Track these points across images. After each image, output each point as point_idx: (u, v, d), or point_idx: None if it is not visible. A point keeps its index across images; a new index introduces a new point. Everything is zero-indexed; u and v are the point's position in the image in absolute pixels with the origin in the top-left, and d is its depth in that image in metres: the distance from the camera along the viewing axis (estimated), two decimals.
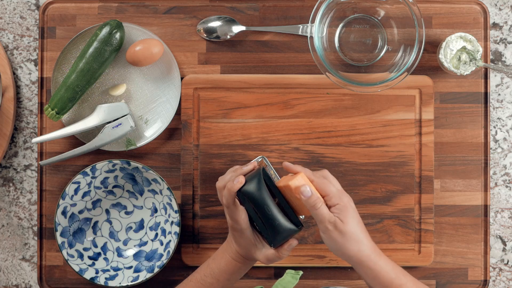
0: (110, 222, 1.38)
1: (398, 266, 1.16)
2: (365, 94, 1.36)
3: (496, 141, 1.39)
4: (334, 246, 1.15)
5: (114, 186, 1.37)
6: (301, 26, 1.37)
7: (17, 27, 1.39)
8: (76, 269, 1.33)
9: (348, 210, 1.14)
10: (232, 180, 1.18)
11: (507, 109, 1.39)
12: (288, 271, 1.28)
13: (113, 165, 1.33)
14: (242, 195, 1.18)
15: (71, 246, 1.34)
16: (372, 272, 1.15)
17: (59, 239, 1.33)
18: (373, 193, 1.36)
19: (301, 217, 1.22)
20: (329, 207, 1.15)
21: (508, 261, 1.39)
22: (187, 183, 1.36)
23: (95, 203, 1.37)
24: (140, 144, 1.36)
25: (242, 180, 1.18)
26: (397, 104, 1.36)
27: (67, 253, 1.33)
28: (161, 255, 1.35)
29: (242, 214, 1.18)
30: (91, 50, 1.32)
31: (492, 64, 1.36)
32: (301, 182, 1.14)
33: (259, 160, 1.26)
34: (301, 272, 1.30)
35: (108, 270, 1.35)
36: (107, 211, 1.38)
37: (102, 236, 1.37)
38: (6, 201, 1.40)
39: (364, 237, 1.15)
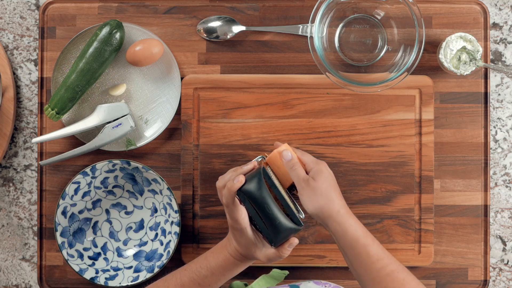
0: (110, 222, 1.38)
1: (367, 230, 1.19)
2: (365, 94, 1.36)
3: (496, 141, 1.39)
4: (309, 203, 1.19)
5: (114, 186, 1.37)
6: (301, 26, 1.37)
7: (17, 27, 1.39)
8: (76, 269, 1.33)
9: (322, 172, 1.21)
10: (232, 179, 1.18)
11: (507, 109, 1.39)
12: (274, 269, 1.30)
13: (113, 165, 1.33)
14: (242, 195, 1.18)
15: (71, 246, 1.34)
16: (340, 227, 1.18)
17: (59, 239, 1.33)
18: (373, 193, 1.36)
19: (301, 216, 1.22)
20: (308, 172, 1.22)
21: (508, 261, 1.39)
22: (187, 183, 1.36)
23: (95, 203, 1.37)
24: (140, 144, 1.36)
25: (242, 179, 1.18)
26: (397, 104, 1.36)
27: (67, 253, 1.33)
28: (161, 255, 1.35)
29: (242, 214, 1.19)
30: (91, 50, 1.32)
31: (492, 64, 1.36)
32: (284, 148, 1.23)
33: (259, 159, 1.27)
34: (287, 272, 1.31)
35: (108, 270, 1.35)
36: (107, 211, 1.38)
37: (102, 236, 1.37)
38: (6, 201, 1.40)
39: (335, 195, 1.20)
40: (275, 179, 1.22)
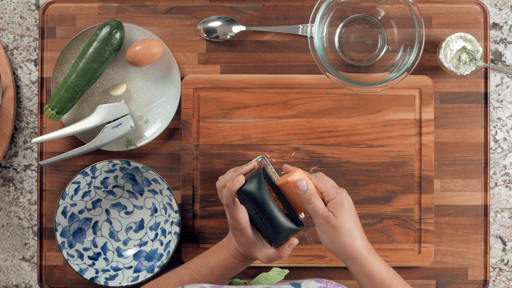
0: (110, 222, 1.38)
1: (390, 267, 1.16)
2: (365, 94, 1.36)
3: (496, 141, 1.39)
4: (328, 240, 1.16)
5: (114, 186, 1.37)
6: (301, 26, 1.37)
7: (17, 27, 1.39)
8: (76, 269, 1.33)
9: (343, 205, 1.15)
10: (232, 179, 1.18)
11: (507, 109, 1.39)
12: (274, 268, 1.30)
13: (113, 165, 1.33)
14: (242, 195, 1.18)
15: (71, 246, 1.34)
16: (363, 269, 1.15)
17: (59, 239, 1.33)
18: (373, 193, 1.36)
19: (301, 216, 1.22)
20: (326, 202, 1.16)
21: (508, 261, 1.39)
22: (187, 183, 1.36)
23: (95, 203, 1.37)
24: (140, 144, 1.36)
25: (242, 179, 1.18)
26: (397, 104, 1.36)
27: (67, 253, 1.33)
28: (161, 255, 1.35)
29: (242, 213, 1.19)
30: (91, 50, 1.32)
31: (492, 64, 1.36)
32: (299, 177, 1.16)
33: (259, 159, 1.27)
34: (287, 271, 1.31)
35: (108, 270, 1.35)
36: (107, 211, 1.38)
37: (102, 236, 1.37)
38: (6, 201, 1.40)
39: (357, 234, 1.15)
40: (275, 179, 1.22)
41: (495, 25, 1.39)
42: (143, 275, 1.33)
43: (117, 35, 1.33)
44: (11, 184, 1.40)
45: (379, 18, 1.37)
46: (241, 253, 1.22)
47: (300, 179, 1.15)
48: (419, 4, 1.36)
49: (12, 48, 1.40)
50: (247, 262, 1.24)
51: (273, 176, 1.23)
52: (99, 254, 1.36)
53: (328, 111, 1.37)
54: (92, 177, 1.34)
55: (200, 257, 1.24)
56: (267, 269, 1.36)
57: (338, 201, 1.16)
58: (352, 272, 1.17)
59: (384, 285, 1.14)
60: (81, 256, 1.34)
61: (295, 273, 1.37)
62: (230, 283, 1.32)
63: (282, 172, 1.31)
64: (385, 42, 1.37)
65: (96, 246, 1.37)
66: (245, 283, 1.32)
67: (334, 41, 1.38)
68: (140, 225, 1.38)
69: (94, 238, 1.37)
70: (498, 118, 1.39)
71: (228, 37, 1.38)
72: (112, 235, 1.38)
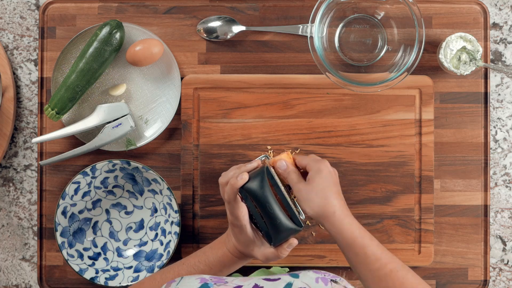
0: (110, 222, 1.38)
1: (365, 230, 1.19)
2: (365, 94, 1.36)
3: (496, 141, 1.39)
4: (304, 204, 1.19)
5: (114, 186, 1.37)
6: (301, 26, 1.37)
7: (17, 27, 1.39)
8: (76, 269, 1.33)
9: (320, 172, 1.20)
10: (236, 176, 1.18)
11: (507, 109, 1.39)
12: (274, 266, 1.30)
13: (113, 165, 1.33)
14: (244, 192, 1.18)
15: (71, 246, 1.34)
16: (335, 228, 1.18)
17: (59, 239, 1.33)
18: (373, 193, 1.36)
19: (301, 217, 1.22)
20: (309, 171, 1.21)
21: (508, 261, 1.39)
22: (187, 183, 1.36)
23: (95, 203, 1.37)
24: (140, 144, 1.36)
25: (245, 177, 1.18)
26: (397, 104, 1.36)
27: (67, 253, 1.33)
28: (161, 255, 1.35)
29: (243, 211, 1.19)
30: (91, 50, 1.32)
31: (492, 64, 1.36)
32: (279, 158, 1.23)
33: (262, 158, 1.26)
34: (287, 269, 1.31)
35: (108, 270, 1.35)
36: (107, 211, 1.38)
37: (102, 236, 1.37)
38: (6, 201, 1.40)
39: (331, 196, 1.19)
40: (278, 179, 1.22)
41: (495, 25, 1.39)
42: (143, 275, 1.33)
43: (117, 35, 1.33)
44: (11, 184, 1.40)
45: (379, 18, 1.37)
46: (239, 250, 1.22)
47: (279, 160, 1.22)
48: (419, 4, 1.36)
49: (12, 48, 1.40)
50: (245, 260, 1.24)
51: (275, 175, 1.23)
52: (99, 254, 1.36)
53: (328, 111, 1.37)
54: (92, 177, 1.34)
55: (198, 253, 1.24)
56: (267, 267, 1.36)
57: (316, 168, 1.20)
58: (329, 233, 1.20)
59: (356, 244, 1.17)
60: (81, 256, 1.34)
61: (295, 272, 1.37)
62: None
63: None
64: (385, 42, 1.37)
65: (96, 246, 1.37)
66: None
67: (334, 41, 1.38)
68: (140, 225, 1.38)
69: (94, 238, 1.37)
70: (498, 118, 1.39)
71: (228, 37, 1.38)
72: (112, 235, 1.38)
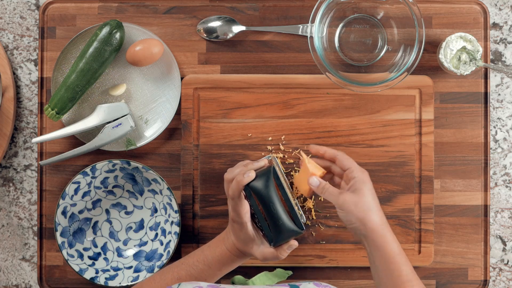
0: (110, 222, 1.38)
1: (401, 247, 1.19)
2: (365, 94, 1.36)
3: (496, 141, 1.39)
4: (349, 217, 1.18)
5: (114, 186, 1.37)
6: (301, 26, 1.37)
7: (17, 27, 1.39)
8: (76, 269, 1.33)
9: (365, 183, 1.19)
10: (242, 173, 1.18)
11: (507, 109, 1.39)
12: (278, 269, 1.30)
13: (113, 165, 1.33)
14: (249, 190, 1.19)
15: (71, 246, 1.34)
16: (377, 242, 1.17)
17: (59, 239, 1.33)
18: None
19: (302, 220, 1.22)
20: (350, 179, 1.20)
21: (508, 261, 1.39)
22: (187, 183, 1.36)
23: (95, 203, 1.37)
24: (140, 144, 1.36)
25: (252, 175, 1.19)
26: (397, 104, 1.36)
27: (67, 253, 1.33)
28: (161, 255, 1.35)
29: (245, 208, 1.19)
30: (91, 50, 1.32)
31: (492, 64, 1.36)
32: (309, 173, 1.22)
33: (269, 158, 1.26)
34: (290, 272, 1.31)
35: (108, 270, 1.35)
36: (107, 211, 1.38)
37: (102, 236, 1.37)
38: (6, 201, 1.40)
39: (377, 209, 1.18)
40: (284, 180, 1.22)
41: (495, 25, 1.39)
42: (143, 275, 1.33)
43: (117, 35, 1.33)
44: (11, 184, 1.40)
45: (379, 18, 1.37)
46: (238, 248, 1.22)
47: (311, 176, 1.21)
48: (419, 4, 1.36)
49: (12, 48, 1.40)
50: (243, 258, 1.24)
51: (281, 176, 1.23)
52: (99, 254, 1.36)
53: (328, 111, 1.37)
54: (92, 177, 1.34)
55: (197, 252, 1.24)
56: (271, 269, 1.36)
57: (361, 178, 1.20)
58: (367, 245, 1.18)
59: (395, 261, 1.16)
60: (81, 256, 1.34)
61: (295, 273, 1.37)
62: (232, 280, 1.32)
63: (291, 173, 1.33)
64: (385, 42, 1.37)
65: (96, 246, 1.37)
66: (246, 281, 1.32)
67: (334, 41, 1.38)
68: (140, 225, 1.38)
69: (94, 238, 1.37)
70: (498, 118, 1.39)
71: (228, 37, 1.38)
72: (112, 235, 1.38)
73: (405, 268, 1.16)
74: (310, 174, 1.21)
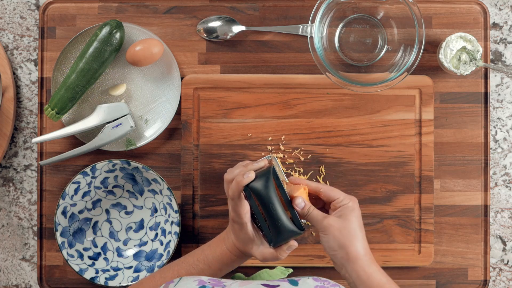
0: (110, 222, 1.38)
1: (389, 277, 1.16)
2: (365, 94, 1.36)
3: (496, 141, 1.39)
4: (331, 243, 1.16)
5: (114, 186, 1.37)
6: (301, 26, 1.37)
7: (17, 27, 1.39)
8: (76, 269, 1.33)
9: (354, 211, 1.17)
10: (242, 174, 1.18)
11: (507, 109, 1.39)
12: (278, 266, 1.30)
13: (113, 165, 1.33)
14: (248, 191, 1.18)
15: (71, 246, 1.34)
16: (364, 273, 1.15)
17: (59, 239, 1.33)
18: (373, 193, 1.36)
19: (302, 221, 1.22)
20: (336, 208, 1.18)
21: (508, 261, 1.39)
22: (187, 183, 1.36)
23: (95, 203, 1.37)
24: (140, 144, 1.36)
25: (252, 175, 1.18)
26: (397, 104, 1.36)
27: (67, 253, 1.33)
28: (161, 255, 1.35)
29: (245, 208, 1.19)
30: (91, 50, 1.32)
31: (492, 64, 1.36)
32: (298, 194, 1.20)
33: (269, 158, 1.26)
34: (291, 270, 1.31)
35: (108, 270, 1.35)
36: (107, 211, 1.38)
37: (102, 236, 1.37)
38: (6, 201, 1.40)
39: (362, 238, 1.16)
40: (283, 181, 1.22)
41: (495, 25, 1.39)
42: (143, 275, 1.33)
43: (117, 35, 1.33)
44: (11, 184, 1.40)
45: (379, 18, 1.37)
46: (238, 248, 1.22)
47: (297, 197, 1.18)
48: (419, 4, 1.36)
49: (12, 48, 1.40)
50: (243, 258, 1.24)
51: (281, 177, 1.23)
52: (99, 254, 1.36)
53: (328, 111, 1.37)
54: (92, 177, 1.34)
55: (197, 251, 1.24)
56: (271, 269, 1.36)
57: (350, 206, 1.18)
58: (349, 276, 1.16)
59: None
60: (81, 256, 1.34)
61: (295, 273, 1.37)
62: (233, 277, 1.32)
63: (291, 174, 1.33)
64: (385, 42, 1.37)
65: (96, 246, 1.37)
66: (246, 278, 1.32)
67: (334, 41, 1.38)
68: (140, 225, 1.38)
69: (94, 238, 1.37)
70: (498, 118, 1.39)
71: (228, 37, 1.38)
72: (112, 235, 1.38)
73: None
74: (297, 195, 1.19)
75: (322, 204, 1.23)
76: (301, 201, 1.18)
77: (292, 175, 1.35)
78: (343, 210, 1.17)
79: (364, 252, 1.15)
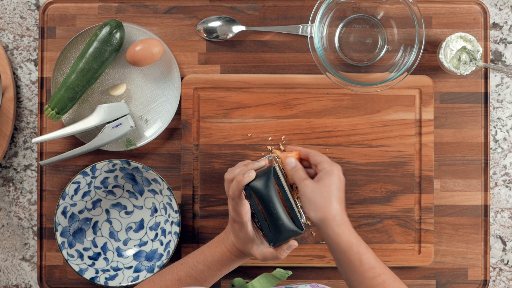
0: (110, 222, 1.38)
1: (361, 239, 1.18)
2: (365, 94, 1.36)
3: (496, 141, 1.39)
4: (306, 202, 1.18)
5: (114, 186, 1.37)
6: (301, 26, 1.37)
7: (17, 27, 1.39)
8: (76, 269, 1.33)
9: (331, 175, 1.20)
10: (243, 173, 1.18)
11: (507, 109, 1.39)
12: (277, 269, 1.30)
13: (113, 165, 1.33)
14: (249, 190, 1.18)
15: (71, 246, 1.34)
16: (333, 232, 1.17)
17: (59, 239, 1.33)
18: (373, 193, 1.36)
19: (302, 220, 1.22)
20: (319, 171, 1.21)
21: (508, 261, 1.40)
22: (187, 183, 1.36)
23: (95, 203, 1.37)
24: (140, 144, 1.36)
25: (253, 175, 1.19)
26: (397, 104, 1.36)
27: (67, 253, 1.33)
28: (161, 255, 1.35)
29: (245, 208, 1.19)
30: (91, 50, 1.32)
31: (492, 64, 1.36)
32: (287, 155, 1.24)
33: (270, 158, 1.26)
34: (290, 272, 1.31)
35: (108, 270, 1.35)
36: (107, 211, 1.38)
37: (102, 236, 1.37)
38: (6, 201, 1.40)
39: (335, 201, 1.18)
40: (284, 181, 1.22)
41: (495, 25, 1.39)
42: (143, 275, 1.33)
43: (117, 35, 1.33)
44: (11, 184, 1.40)
45: (379, 18, 1.37)
46: (238, 248, 1.22)
47: (288, 157, 1.23)
48: (419, 4, 1.36)
49: (12, 48, 1.40)
50: (243, 258, 1.24)
51: (282, 177, 1.23)
52: (99, 254, 1.36)
53: (328, 111, 1.37)
54: (92, 177, 1.34)
55: (196, 252, 1.24)
56: (270, 269, 1.36)
57: (328, 170, 1.20)
58: (324, 236, 1.19)
59: (352, 250, 1.16)
60: (81, 256, 1.34)
61: (295, 273, 1.37)
62: (232, 283, 1.32)
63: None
64: (385, 42, 1.37)
65: (96, 246, 1.37)
66: (247, 282, 1.32)
67: (334, 41, 1.38)
68: (140, 225, 1.38)
69: (94, 238, 1.37)
70: (498, 118, 1.39)
71: (228, 37, 1.38)
72: (112, 235, 1.38)
73: (365, 256, 1.15)
74: (287, 156, 1.23)
75: (314, 173, 1.25)
76: (293, 161, 1.22)
77: None
78: (321, 174, 1.20)
79: (335, 213, 1.17)
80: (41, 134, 1.38)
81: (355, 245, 1.16)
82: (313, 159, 1.23)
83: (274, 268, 1.35)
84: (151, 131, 1.37)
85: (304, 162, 1.26)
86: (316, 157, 1.23)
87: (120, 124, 1.34)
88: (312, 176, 1.23)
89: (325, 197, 1.18)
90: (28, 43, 1.39)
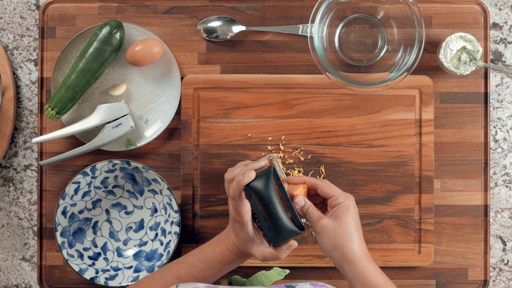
0: (110, 222, 1.38)
1: (386, 276, 1.17)
2: (365, 94, 1.36)
3: (496, 141, 1.39)
4: (327, 244, 1.16)
5: (114, 186, 1.37)
6: (301, 26, 1.37)
7: (17, 27, 1.39)
8: (76, 269, 1.33)
9: (349, 210, 1.17)
10: (243, 173, 1.18)
11: (507, 109, 1.39)
12: (275, 267, 1.30)
13: (113, 165, 1.33)
14: (249, 190, 1.18)
15: (71, 246, 1.34)
16: (360, 273, 1.15)
17: (59, 239, 1.33)
18: (373, 193, 1.36)
19: (302, 221, 1.22)
20: (333, 206, 1.18)
21: (508, 261, 1.39)
22: (187, 183, 1.36)
23: (95, 203, 1.37)
24: (140, 144, 1.36)
25: (253, 175, 1.18)
26: (397, 104, 1.36)
27: (67, 253, 1.33)
28: (161, 255, 1.35)
29: (246, 208, 1.19)
30: (91, 50, 1.32)
31: (492, 64, 1.36)
32: (295, 192, 1.20)
33: (270, 158, 1.26)
34: (287, 271, 1.31)
35: (108, 270, 1.35)
36: (107, 211, 1.38)
37: (102, 236, 1.37)
38: (6, 201, 1.40)
39: (357, 238, 1.16)
40: (284, 181, 1.22)
41: (495, 25, 1.39)
42: (143, 275, 1.33)
43: (117, 35, 1.33)
44: (11, 184, 1.40)
45: (379, 18, 1.37)
46: (238, 248, 1.22)
47: (297, 195, 1.19)
48: (419, 4, 1.36)
49: (12, 48, 1.40)
50: (243, 258, 1.24)
51: (281, 177, 1.23)
52: (99, 254, 1.36)
53: (328, 111, 1.37)
54: (92, 177, 1.34)
55: (197, 251, 1.24)
56: (269, 269, 1.36)
57: (345, 205, 1.18)
58: (346, 276, 1.17)
59: None
60: (81, 256, 1.34)
61: (295, 273, 1.37)
62: (230, 280, 1.32)
63: (292, 174, 1.32)
64: (385, 42, 1.37)
65: (96, 246, 1.37)
66: (244, 281, 1.32)
67: (334, 41, 1.38)
68: (140, 225, 1.38)
69: (94, 238, 1.37)
70: (498, 118, 1.39)
71: (228, 37, 1.38)
72: (112, 235, 1.38)
73: None
74: (297, 194, 1.20)
75: (322, 199, 1.23)
76: (301, 200, 1.19)
77: (292, 174, 1.35)
78: (337, 211, 1.17)
79: (360, 253, 1.16)
80: (41, 134, 1.38)
81: (383, 285, 1.14)
82: (322, 192, 1.20)
83: (272, 267, 1.35)
84: (151, 131, 1.37)
85: (311, 190, 1.23)
86: (325, 189, 1.20)
87: (120, 124, 1.34)
88: (318, 203, 1.22)
89: (347, 235, 1.15)
90: (28, 43, 1.40)
